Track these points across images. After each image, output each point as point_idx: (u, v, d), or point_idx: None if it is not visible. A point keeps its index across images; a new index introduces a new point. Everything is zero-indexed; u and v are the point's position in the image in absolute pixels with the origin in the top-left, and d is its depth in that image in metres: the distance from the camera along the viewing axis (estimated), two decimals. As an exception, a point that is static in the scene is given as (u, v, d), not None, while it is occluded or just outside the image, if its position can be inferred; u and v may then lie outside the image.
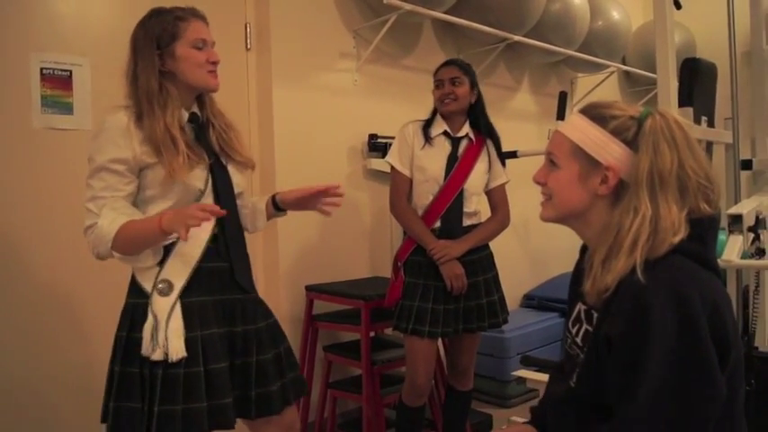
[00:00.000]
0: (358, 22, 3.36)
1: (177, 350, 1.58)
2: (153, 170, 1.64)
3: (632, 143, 1.13)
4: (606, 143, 1.15)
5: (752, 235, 2.17)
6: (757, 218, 2.20)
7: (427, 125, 2.56)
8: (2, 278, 2.34)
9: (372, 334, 2.86)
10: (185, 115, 1.72)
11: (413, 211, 2.54)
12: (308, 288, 2.96)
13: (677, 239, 1.08)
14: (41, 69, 2.40)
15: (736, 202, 2.47)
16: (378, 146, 3.32)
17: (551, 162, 1.23)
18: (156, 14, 1.71)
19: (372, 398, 2.75)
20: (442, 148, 2.53)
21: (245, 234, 1.86)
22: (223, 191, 1.74)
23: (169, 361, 1.57)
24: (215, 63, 1.72)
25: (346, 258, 3.31)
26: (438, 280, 2.44)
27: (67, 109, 2.47)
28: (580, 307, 1.26)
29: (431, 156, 2.52)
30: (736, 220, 2.08)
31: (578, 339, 1.24)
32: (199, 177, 1.69)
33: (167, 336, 1.58)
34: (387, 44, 3.44)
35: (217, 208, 1.56)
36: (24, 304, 2.37)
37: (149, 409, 1.58)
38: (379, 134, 3.33)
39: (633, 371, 1.02)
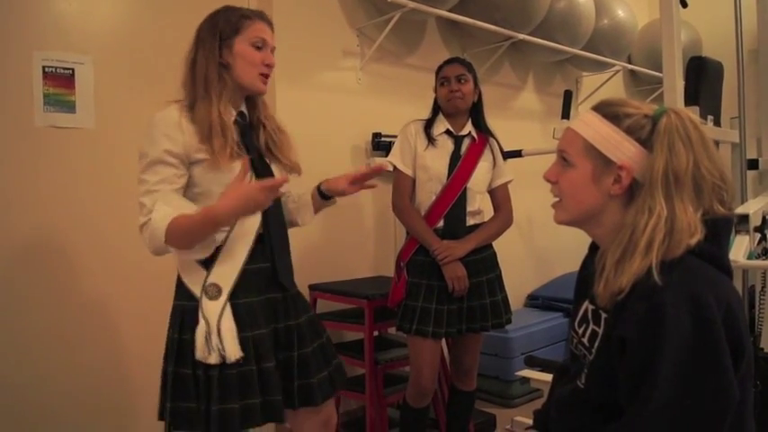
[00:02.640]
0: (362, 20, 3.35)
1: (234, 351, 1.60)
2: (201, 166, 1.65)
3: (646, 142, 1.11)
4: (620, 142, 1.13)
5: (758, 235, 2.15)
6: (764, 218, 2.19)
7: (429, 125, 2.55)
8: (1, 277, 2.33)
9: (376, 333, 2.85)
10: (233, 113, 1.73)
11: (415, 210, 2.53)
12: (312, 287, 2.95)
13: (694, 241, 1.06)
14: (44, 67, 2.40)
15: (742, 202, 2.46)
16: (381, 144, 3.31)
17: (564, 160, 1.21)
18: (224, 9, 1.74)
19: (375, 397, 2.75)
20: (445, 146, 2.51)
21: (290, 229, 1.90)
22: None
23: (227, 362, 1.59)
24: (269, 66, 1.74)
25: (349, 257, 3.30)
26: (441, 280, 2.43)
27: (70, 107, 2.46)
28: (587, 306, 1.24)
29: (434, 155, 2.50)
30: (742, 220, 2.06)
31: (585, 340, 1.23)
32: None
33: (222, 338, 1.59)
34: (391, 42, 3.43)
35: (276, 181, 1.55)
36: (24, 304, 2.37)
37: (207, 407, 1.60)
38: (383, 133, 3.31)
39: (647, 372, 1.00)
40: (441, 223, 2.49)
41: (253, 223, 1.71)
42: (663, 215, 1.06)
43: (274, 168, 1.79)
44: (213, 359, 1.58)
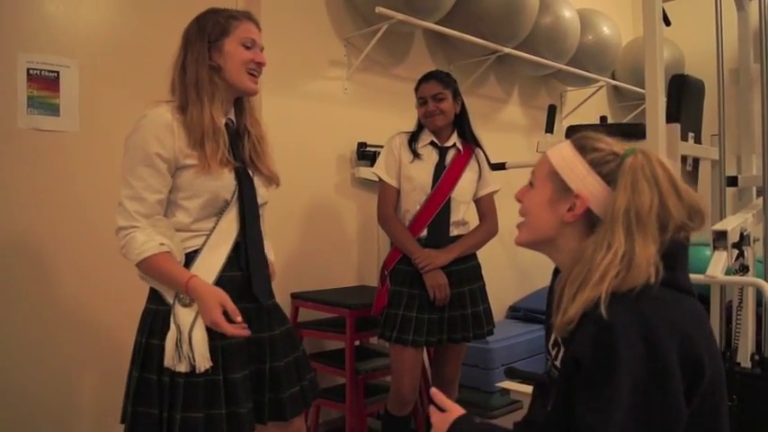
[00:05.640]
0: (349, 30, 3.36)
1: (204, 361, 1.58)
2: (190, 171, 1.63)
3: (608, 177, 1.13)
4: (582, 172, 1.16)
5: (736, 251, 2.18)
6: (741, 234, 2.21)
7: (414, 138, 2.56)
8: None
9: (357, 343, 2.85)
10: (224, 118, 1.71)
11: (398, 220, 2.54)
12: (294, 295, 2.95)
13: (651, 278, 1.06)
14: (28, 70, 2.38)
15: (721, 219, 2.48)
16: (367, 154, 3.32)
17: (530, 181, 1.25)
18: (211, 12, 1.73)
19: (356, 407, 2.74)
20: (430, 157, 2.53)
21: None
22: (248, 201, 1.73)
23: (196, 371, 1.56)
24: (259, 64, 1.73)
25: (333, 266, 3.29)
26: (423, 289, 2.44)
27: (54, 110, 2.45)
28: None
29: (418, 166, 2.52)
30: (720, 236, 2.09)
31: (557, 363, 1.24)
32: (227, 187, 1.68)
33: (192, 346, 1.57)
34: (377, 53, 3.45)
35: (241, 329, 1.57)
36: (8, 305, 2.34)
37: (169, 415, 1.57)
38: (368, 143, 3.33)
39: (599, 393, 1.01)
40: (424, 233, 2.50)
41: (232, 230, 1.69)
42: (620, 252, 1.07)
43: (256, 180, 1.78)
44: (182, 367, 1.56)
